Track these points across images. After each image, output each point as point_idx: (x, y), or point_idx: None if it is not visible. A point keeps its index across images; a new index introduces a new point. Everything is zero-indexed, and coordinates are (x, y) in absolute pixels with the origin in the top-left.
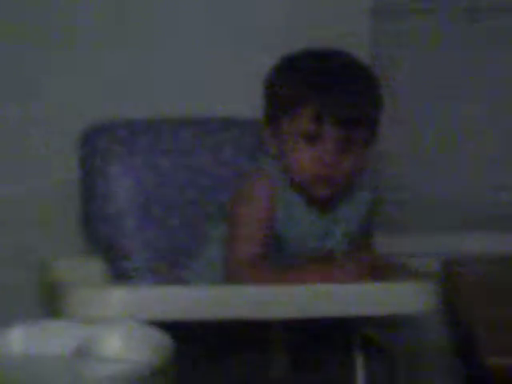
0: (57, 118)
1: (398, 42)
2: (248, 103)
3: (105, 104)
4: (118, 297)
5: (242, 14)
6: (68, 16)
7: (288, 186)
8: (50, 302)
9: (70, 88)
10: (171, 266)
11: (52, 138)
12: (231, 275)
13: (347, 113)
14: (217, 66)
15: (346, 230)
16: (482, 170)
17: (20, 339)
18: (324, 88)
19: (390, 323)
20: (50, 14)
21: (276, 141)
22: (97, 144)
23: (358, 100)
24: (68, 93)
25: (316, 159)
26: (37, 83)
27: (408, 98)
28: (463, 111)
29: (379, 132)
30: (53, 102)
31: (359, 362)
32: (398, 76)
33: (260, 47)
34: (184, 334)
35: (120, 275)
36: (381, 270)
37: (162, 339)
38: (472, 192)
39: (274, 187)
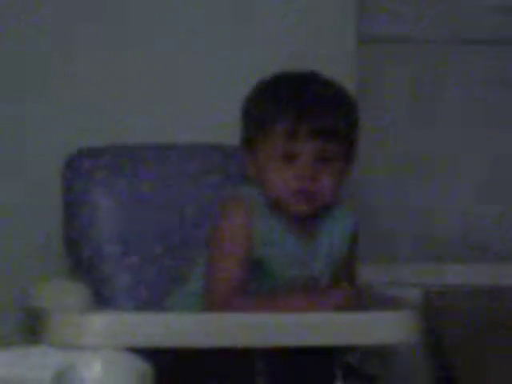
0: (40, 142)
1: (382, 69)
2: (233, 130)
3: (88, 130)
4: (99, 323)
5: (226, 44)
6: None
7: (268, 212)
8: (30, 326)
9: (53, 113)
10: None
11: (35, 161)
12: (212, 307)
13: (321, 127)
14: (202, 93)
15: (328, 256)
16: (462, 201)
17: None
18: (297, 104)
19: (372, 353)
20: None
21: (255, 164)
22: (81, 169)
23: (331, 115)
24: (52, 118)
25: (294, 176)
26: (20, 109)
27: (393, 126)
28: (449, 140)
29: (357, 151)
30: (36, 127)
31: None
32: (382, 103)
33: (244, 78)
34: (165, 361)
35: (102, 301)
36: (363, 300)
37: (143, 366)
38: (454, 224)
39: (253, 213)
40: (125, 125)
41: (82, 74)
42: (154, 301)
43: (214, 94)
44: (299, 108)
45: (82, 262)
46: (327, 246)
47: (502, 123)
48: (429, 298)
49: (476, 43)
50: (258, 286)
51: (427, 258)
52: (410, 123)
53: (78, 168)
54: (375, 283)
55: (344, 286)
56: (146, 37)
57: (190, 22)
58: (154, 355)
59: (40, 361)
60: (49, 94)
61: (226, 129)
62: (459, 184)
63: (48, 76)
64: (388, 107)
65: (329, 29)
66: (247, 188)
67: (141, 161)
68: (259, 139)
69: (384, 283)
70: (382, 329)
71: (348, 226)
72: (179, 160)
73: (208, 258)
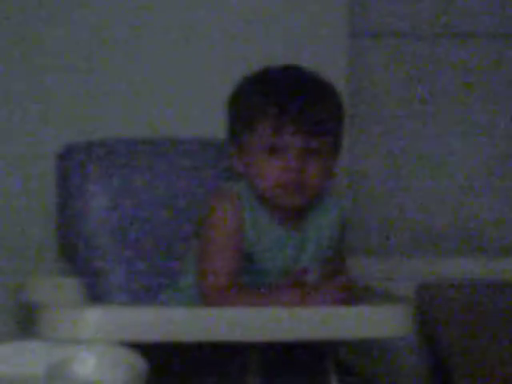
0: (34, 136)
1: (376, 65)
2: (224, 125)
3: (82, 123)
4: (93, 317)
5: (216, 37)
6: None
7: (256, 205)
8: (25, 321)
9: (46, 107)
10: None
11: (28, 156)
12: (205, 301)
13: (307, 121)
14: (195, 88)
15: (317, 247)
16: (459, 195)
17: None
18: (282, 99)
19: (365, 347)
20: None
21: (242, 158)
22: (74, 163)
23: (317, 108)
24: (44, 112)
25: (281, 169)
26: (12, 103)
27: (387, 121)
28: (443, 135)
29: (342, 142)
30: (28, 121)
31: None
32: (376, 97)
33: (236, 70)
34: (159, 356)
35: (95, 295)
36: (355, 293)
37: (137, 360)
38: (448, 217)
39: (242, 207)
40: (117, 119)
41: (77, 69)
42: (147, 295)
43: (205, 88)
44: (285, 102)
45: (76, 257)
46: (316, 238)
47: (497, 115)
48: (424, 292)
49: (469, 37)
50: (248, 278)
51: (423, 251)
52: (403, 117)
53: (71, 162)
54: (370, 277)
55: (337, 280)
56: (134, 30)
57: (180, 17)
58: (148, 349)
59: (34, 355)
60: (43, 88)
61: (218, 124)
62: (455, 177)
63: (42, 69)
64: (381, 100)
65: (321, 23)
66: (235, 182)
67: (134, 155)
68: (246, 134)
69: (379, 277)
70: (377, 323)
71: (336, 218)
72: (172, 154)
73: (199, 252)
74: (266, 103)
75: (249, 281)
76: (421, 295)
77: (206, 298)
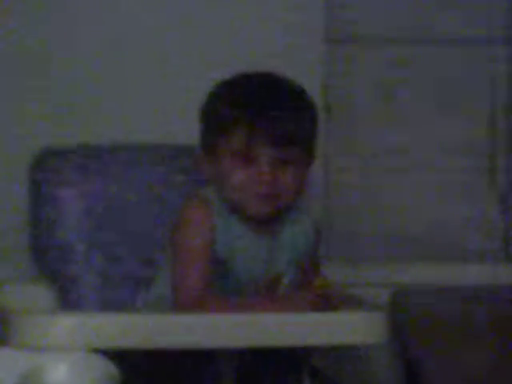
0: (7, 141)
1: (350, 71)
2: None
3: (56, 129)
4: (65, 325)
5: (190, 44)
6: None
7: (227, 211)
8: None
9: (21, 112)
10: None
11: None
12: (178, 308)
13: (279, 130)
14: (169, 94)
15: (291, 254)
16: (430, 200)
17: None
18: (255, 107)
19: (338, 354)
20: None
21: (213, 165)
22: (48, 169)
23: (289, 118)
24: (20, 116)
25: (252, 178)
26: None
27: (362, 128)
28: (418, 142)
29: (316, 152)
30: (2, 124)
31: None
32: (351, 104)
33: (210, 77)
34: (131, 364)
35: (68, 302)
36: (329, 300)
37: (109, 368)
38: (421, 223)
39: (213, 213)
40: (93, 124)
41: (54, 74)
42: (120, 302)
43: (179, 94)
44: (258, 110)
45: (48, 263)
46: (290, 244)
47: (471, 120)
48: (397, 298)
49: (446, 42)
50: (222, 284)
51: (397, 258)
52: (378, 123)
53: (45, 167)
54: (343, 283)
55: (311, 287)
56: (113, 35)
57: (154, 23)
58: (120, 357)
59: (5, 363)
60: (18, 91)
61: (193, 129)
62: (428, 183)
63: (18, 73)
64: (357, 108)
65: (296, 29)
66: (207, 189)
67: (108, 161)
68: (218, 141)
69: (352, 283)
70: (349, 330)
71: (310, 225)
72: (147, 160)
73: (172, 259)
74: (239, 111)
75: (223, 287)
76: (394, 302)
77: (179, 304)
